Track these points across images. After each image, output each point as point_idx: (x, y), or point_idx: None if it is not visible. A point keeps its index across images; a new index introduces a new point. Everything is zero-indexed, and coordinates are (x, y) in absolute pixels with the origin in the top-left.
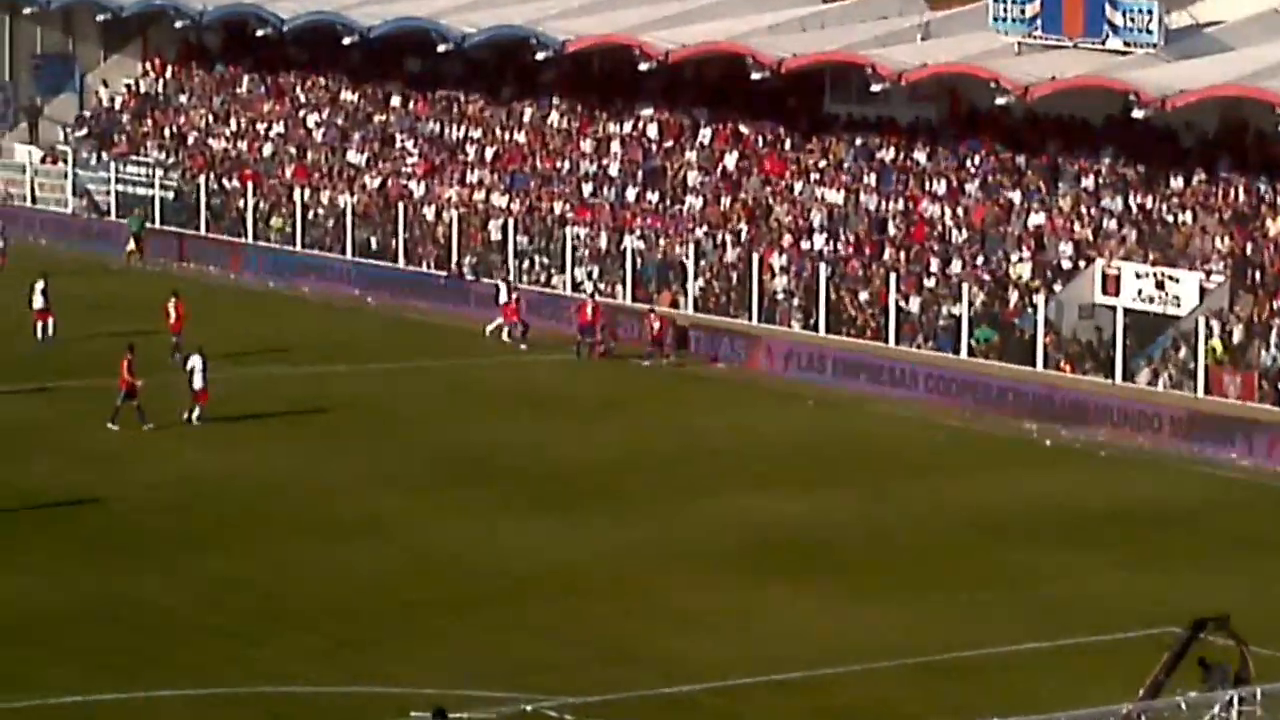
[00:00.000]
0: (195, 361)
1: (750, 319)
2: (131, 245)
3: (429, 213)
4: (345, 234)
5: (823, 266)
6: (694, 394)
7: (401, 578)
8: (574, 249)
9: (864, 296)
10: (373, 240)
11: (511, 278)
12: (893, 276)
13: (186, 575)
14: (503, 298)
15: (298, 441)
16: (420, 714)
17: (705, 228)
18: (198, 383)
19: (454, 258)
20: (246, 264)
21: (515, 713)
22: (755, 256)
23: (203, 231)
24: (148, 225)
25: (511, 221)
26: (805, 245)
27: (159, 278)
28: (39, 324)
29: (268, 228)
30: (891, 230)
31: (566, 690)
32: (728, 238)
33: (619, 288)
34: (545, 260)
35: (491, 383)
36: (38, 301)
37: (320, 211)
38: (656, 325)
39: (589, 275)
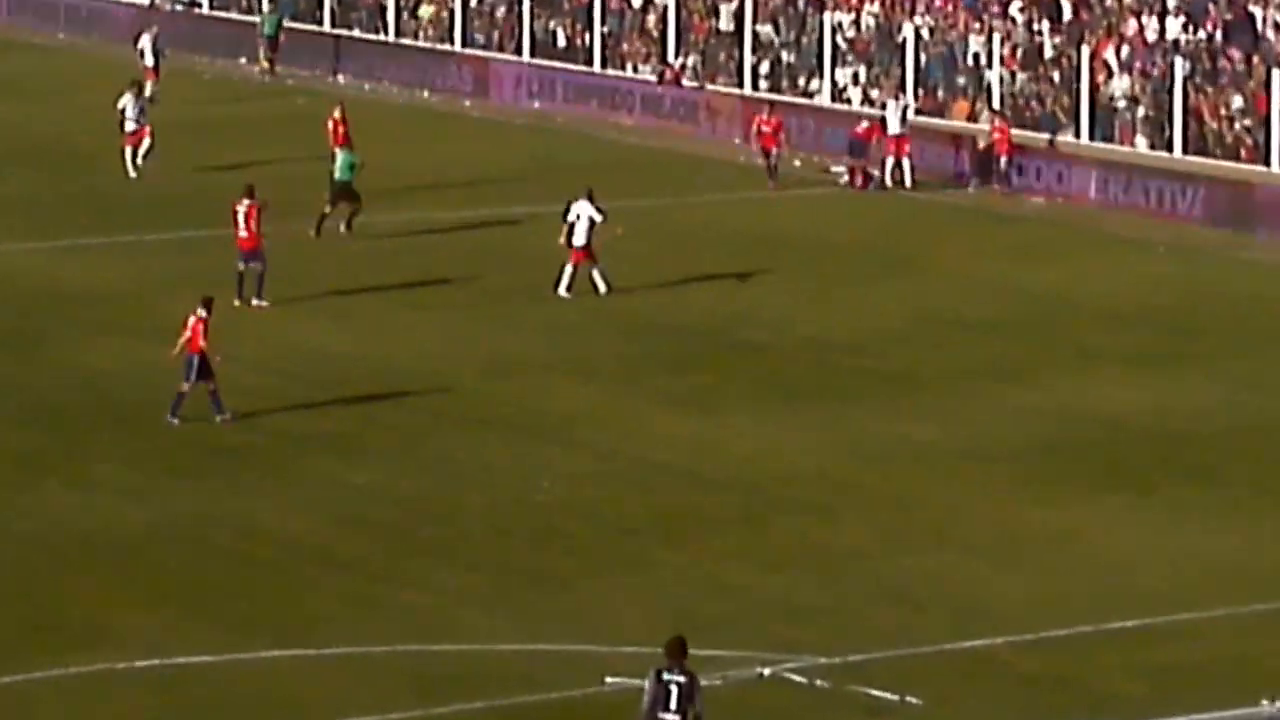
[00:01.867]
0: (582, 208)
1: (1078, 135)
2: (263, 53)
3: None
4: (520, 25)
5: (1179, 62)
6: (1001, 239)
7: (602, 495)
8: (834, 42)
9: (1237, 103)
10: (559, 33)
11: (908, 99)
12: (1276, 74)
13: (310, 490)
14: (893, 127)
15: (460, 310)
16: (617, 679)
17: (1015, 8)
18: (579, 237)
19: (670, 56)
20: (386, 69)
21: (749, 678)
22: (1084, 50)
23: (326, 27)
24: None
25: (749, 5)
26: (1153, 32)
27: (278, 94)
28: (129, 149)
29: (414, 20)
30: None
31: (819, 647)
32: (1045, 22)
33: (897, 96)
34: (794, 58)
35: (727, 229)
36: (129, 121)
37: None
38: (995, 136)
39: (854, 78)
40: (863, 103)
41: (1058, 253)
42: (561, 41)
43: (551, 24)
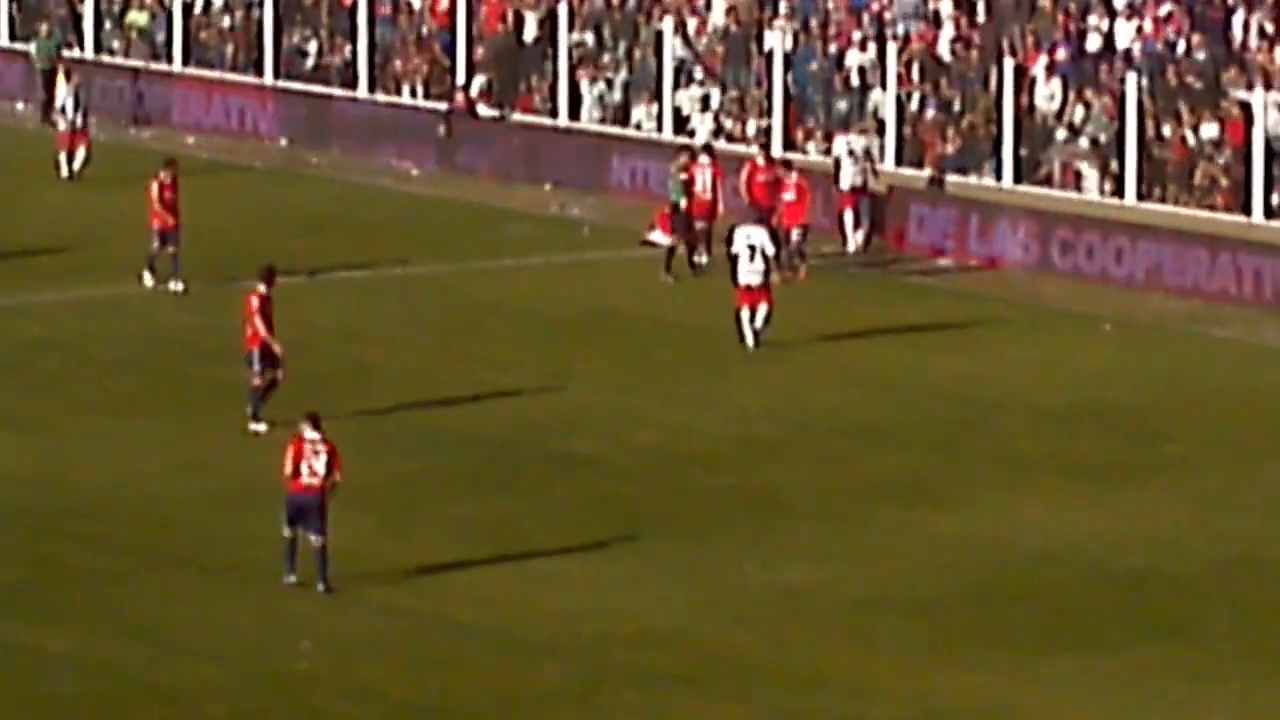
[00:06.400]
0: (756, 235)
1: (998, 177)
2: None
3: None
4: (259, 37)
5: (1132, 79)
6: (897, 316)
7: (383, 669)
8: (677, 57)
9: (1209, 133)
10: (310, 48)
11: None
12: (1258, 94)
13: None
14: (846, 179)
15: (177, 417)
16: None
17: (908, 6)
18: (751, 274)
19: (458, 79)
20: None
21: None
22: (1007, 62)
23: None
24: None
25: (563, 7)
26: (1095, 37)
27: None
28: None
29: (121, 31)
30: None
31: None
32: (948, 21)
33: (755, 123)
34: (625, 76)
35: (538, 304)
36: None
37: None
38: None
39: (702, 102)
40: (715, 135)
41: (973, 334)
42: (313, 59)
43: (301, 35)
